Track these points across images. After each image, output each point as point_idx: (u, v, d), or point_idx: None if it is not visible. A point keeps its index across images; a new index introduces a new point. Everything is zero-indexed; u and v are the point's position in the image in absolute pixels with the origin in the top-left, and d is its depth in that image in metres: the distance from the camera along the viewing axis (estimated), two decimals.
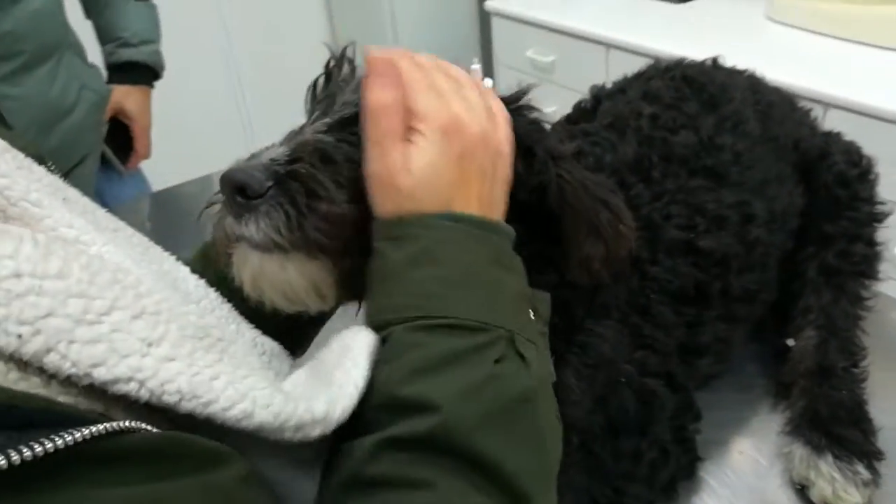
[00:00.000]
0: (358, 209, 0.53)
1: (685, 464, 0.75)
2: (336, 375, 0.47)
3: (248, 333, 0.60)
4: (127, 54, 1.57)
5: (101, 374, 0.37)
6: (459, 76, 0.58)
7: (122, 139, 1.62)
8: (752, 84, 0.89)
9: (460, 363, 0.46)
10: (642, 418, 0.72)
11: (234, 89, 3.07)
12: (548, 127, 0.65)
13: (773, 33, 2.02)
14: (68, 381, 0.37)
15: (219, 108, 3.03)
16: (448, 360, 0.46)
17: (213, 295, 0.61)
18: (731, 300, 0.78)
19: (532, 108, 0.64)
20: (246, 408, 0.41)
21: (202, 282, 0.62)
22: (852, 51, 1.82)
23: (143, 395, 0.38)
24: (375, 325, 0.50)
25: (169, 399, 0.39)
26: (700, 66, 0.89)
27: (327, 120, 0.57)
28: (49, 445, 0.32)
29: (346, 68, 0.63)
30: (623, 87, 0.93)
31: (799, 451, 0.76)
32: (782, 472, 0.77)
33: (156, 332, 0.41)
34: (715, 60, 0.93)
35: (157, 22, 1.64)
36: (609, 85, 0.92)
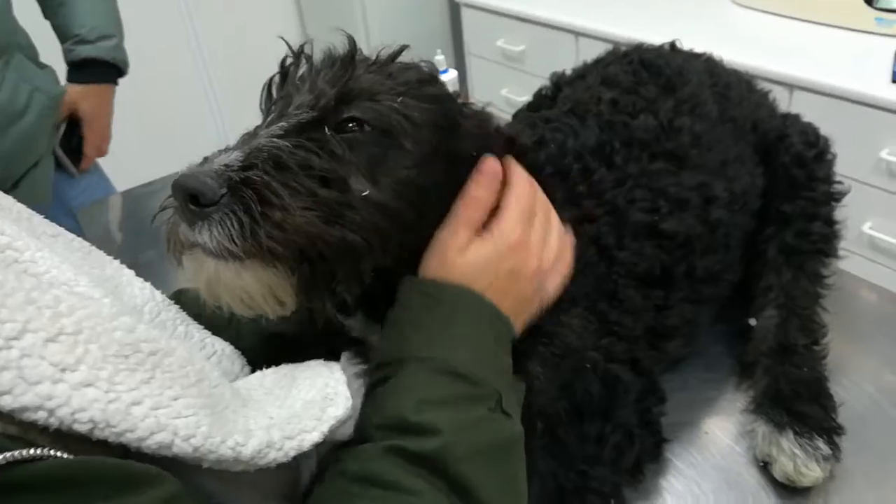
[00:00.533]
0: (315, 216, 0.53)
1: (650, 446, 0.75)
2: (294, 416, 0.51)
3: (198, 335, 0.59)
4: (84, 51, 1.51)
5: (7, 403, 0.36)
6: (554, 222, 0.67)
7: (80, 139, 1.57)
8: (708, 67, 0.90)
9: (461, 404, 0.54)
10: (607, 402, 0.72)
11: (203, 85, 3.04)
12: None
13: (738, 17, 2.03)
14: None
15: (189, 105, 3.00)
16: (452, 400, 0.54)
17: (159, 297, 0.61)
18: (696, 281, 0.79)
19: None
20: (164, 439, 0.40)
21: (147, 284, 0.61)
22: (816, 33, 1.84)
23: (53, 423, 0.37)
24: (389, 358, 0.57)
25: (80, 427, 0.38)
26: (657, 50, 0.90)
27: (283, 123, 0.56)
28: None
29: (303, 66, 0.62)
30: (582, 73, 0.93)
31: (761, 428, 0.76)
32: (747, 450, 0.78)
33: (73, 354, 0.39)
34: (673, 45, 0.94)
35: (116, 16, 1.59)
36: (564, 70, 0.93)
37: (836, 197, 0.87)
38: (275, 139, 0.54)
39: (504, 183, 0.65)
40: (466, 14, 2.57)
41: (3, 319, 0.37)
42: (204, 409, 0.44)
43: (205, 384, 0.46)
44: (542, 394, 0.68)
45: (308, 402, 0.53)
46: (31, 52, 1.45)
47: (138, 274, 0.64)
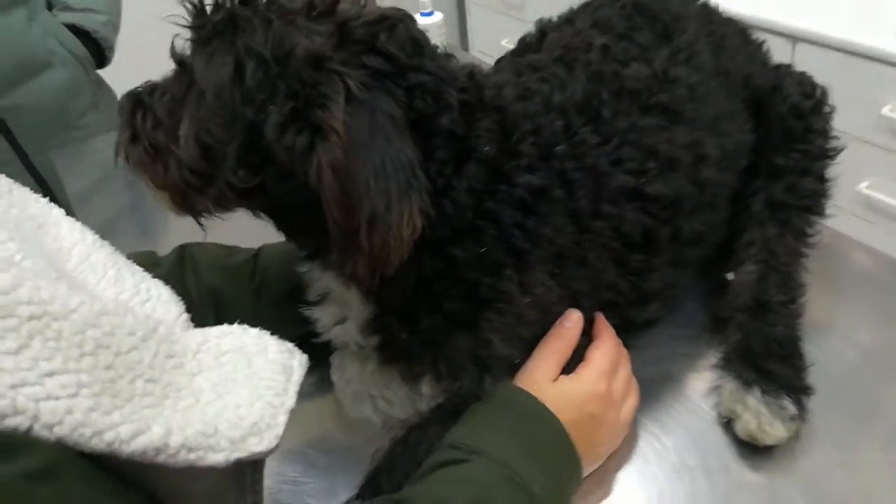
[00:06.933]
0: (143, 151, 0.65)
1: None
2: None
3: (131, 279, 0.56)
4: (65, 17, 1.44)
5: None
6: (633, 385, 0.75)
7: None
8: (705, 13, 0.87)
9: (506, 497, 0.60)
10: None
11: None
12: (352, 87, 0.55)
13: None
14: None
15: (157, 47, 2.91)
16: (497, 494, 0.59)
17: (90, 238, 0.57)
18: (681, 244, 0.77)
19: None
20: (18, 423, 0.36)
21: (78, 224, 0.58)
22: None
23: None
24: (468, 445, 0.62)
25: None
26: None
27: None
28: None
29: None
30: (570, 17, 0.91)
31: (728, 385, 0.76)
32: (713, 407, 0.78)
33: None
34: None
35: (112, 1, 1.52)
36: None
37: (831, 153, 0.85)
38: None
39: (592, 335, 0.73)
40: None
41: None
42: (91, 386, 0.39)
43: (109, 351, 0.42)
44: (499, 359, 0.70)
45: (239, 419, 0.47)
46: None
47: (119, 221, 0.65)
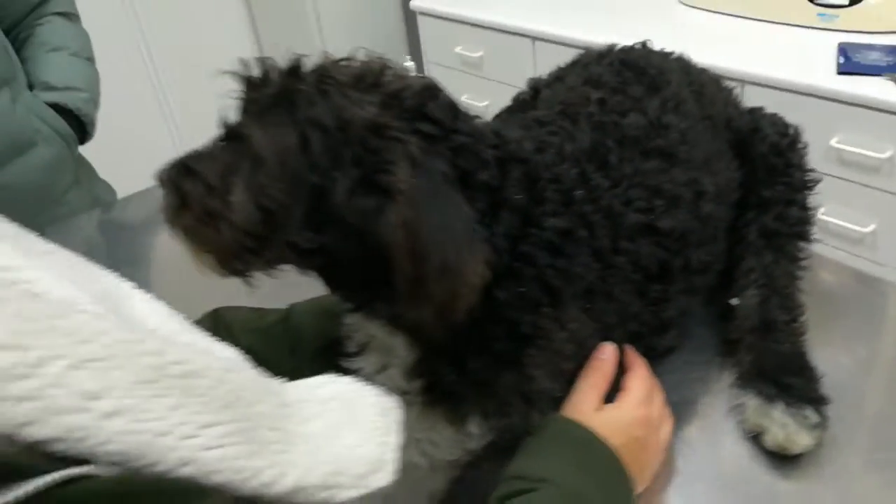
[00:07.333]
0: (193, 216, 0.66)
1: None
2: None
3: (202, 343, 0.57)
4: (48, 97, 1.44)
5: (30, 433, 0.34)
6: (666, 410, 0.81)
7: None
8: (683, 66, 0.95)
9: None
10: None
11: (158, 101, 3.01)
12: (412, 151, 0.61)
13: (686, 17, 2.12)
14: None
15: (145, 124, 2.95)
16: None
17: (161, 308, 0.58)
18: (691, 273, 0.83)
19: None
20: (192, 473, 0.38)
21: (148, 295, 0.59)
22: (762, 30, 1.93)
23: (73, 454, 0.35)
24: (532, 475, 0.66)
25: (104, 459, 0.36)
26: (637, 51, 0.94)
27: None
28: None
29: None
30: (559, 75, 0.98)
31: (751, 401, 0.81)
32: (736, 424, 0.83)
33: (99, 382, 0.37)
34: (644, 44, 0.99)
35: (90, 76, 1.53)
36: (539, 75, 0.96)
37: (809, 185, 0.93)
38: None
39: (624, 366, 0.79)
40: (423, 22, 2.61)
41: (26, 346, 0.35)
42: (237, 435, 0.42)
43: (241, 404, 0.44)
44: (543, 393, 0.74)
45: (359, 458, 0.50)
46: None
47: None
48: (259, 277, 0.72)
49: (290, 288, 0.76)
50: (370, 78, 0.64)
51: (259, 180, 0.62)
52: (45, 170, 1.43)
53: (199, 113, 2.76)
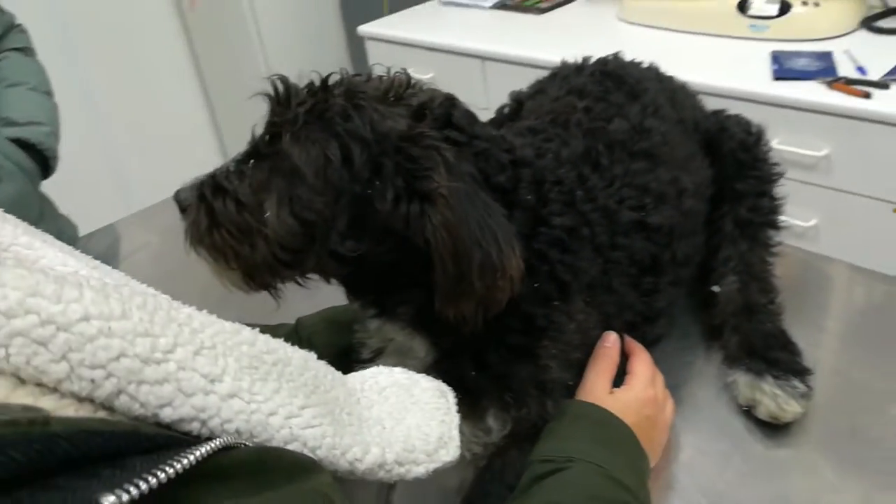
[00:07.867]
0: (227, 233, 0.69)
1: None
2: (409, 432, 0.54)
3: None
4: (9, 132, 1.42)
5: (167, 415, 0.37)
6: (667, 394, 0.86)
7: None
8: (657, 74, 1.03)
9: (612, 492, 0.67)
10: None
11: (100, 132, 2.95)
12: (448, 157, 0.65)
13: (625, 32, 2.22)
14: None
15: (85, 160, 2.88)
16: (618, 501, 0.67)
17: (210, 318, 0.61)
18: (678, 265, 0.90)
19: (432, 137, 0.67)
20: (296, 450, 0.43)
21: (192, 308, 0.62)
22: (698, 42, 2.04)
23: (204, 433, 0.39)
24: (560, 455, 0.70)
25: (226, 437, 0.39)
26: (614, 62, 1.01)
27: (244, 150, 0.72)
28: (178, 466, 0.32)
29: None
30: (540, 88, 1.04)
31: (742, 378, 0.89)
32: (729, 400, 0.91)
33: (217, 367, 0.40)
34: (615, 55, 1.06)
35: (50, 110, 1.51)
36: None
37: (775, 177, 1.02)
38: (231, 163, 0.71)
39: (625, 352, 0.85)
40: (371, 46, 2.65)
41: (157, 334, 0.38)
42: (326, 416, 0.46)
43: (321, 390, 0.48)
44: (557, 382, 0.79)
45: (425, 436, 0.55)
46: None
47: None
48: (284, 290, 0.75)
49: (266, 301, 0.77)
50: (396, 91, 0.68)
51: (299, 194, 0.65)
52: (10, 206, 1.38)
53: (138, 134, 2.74)
